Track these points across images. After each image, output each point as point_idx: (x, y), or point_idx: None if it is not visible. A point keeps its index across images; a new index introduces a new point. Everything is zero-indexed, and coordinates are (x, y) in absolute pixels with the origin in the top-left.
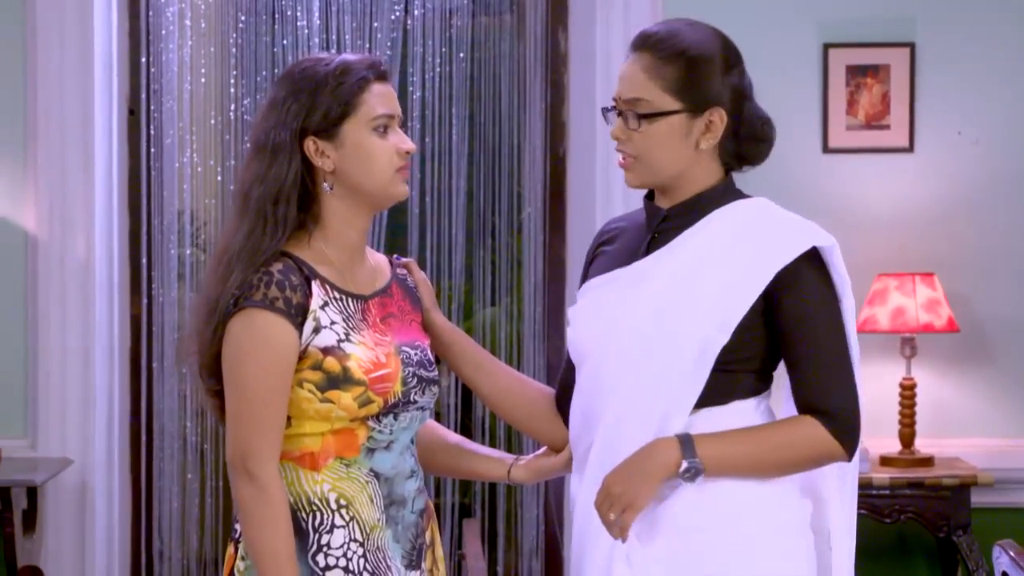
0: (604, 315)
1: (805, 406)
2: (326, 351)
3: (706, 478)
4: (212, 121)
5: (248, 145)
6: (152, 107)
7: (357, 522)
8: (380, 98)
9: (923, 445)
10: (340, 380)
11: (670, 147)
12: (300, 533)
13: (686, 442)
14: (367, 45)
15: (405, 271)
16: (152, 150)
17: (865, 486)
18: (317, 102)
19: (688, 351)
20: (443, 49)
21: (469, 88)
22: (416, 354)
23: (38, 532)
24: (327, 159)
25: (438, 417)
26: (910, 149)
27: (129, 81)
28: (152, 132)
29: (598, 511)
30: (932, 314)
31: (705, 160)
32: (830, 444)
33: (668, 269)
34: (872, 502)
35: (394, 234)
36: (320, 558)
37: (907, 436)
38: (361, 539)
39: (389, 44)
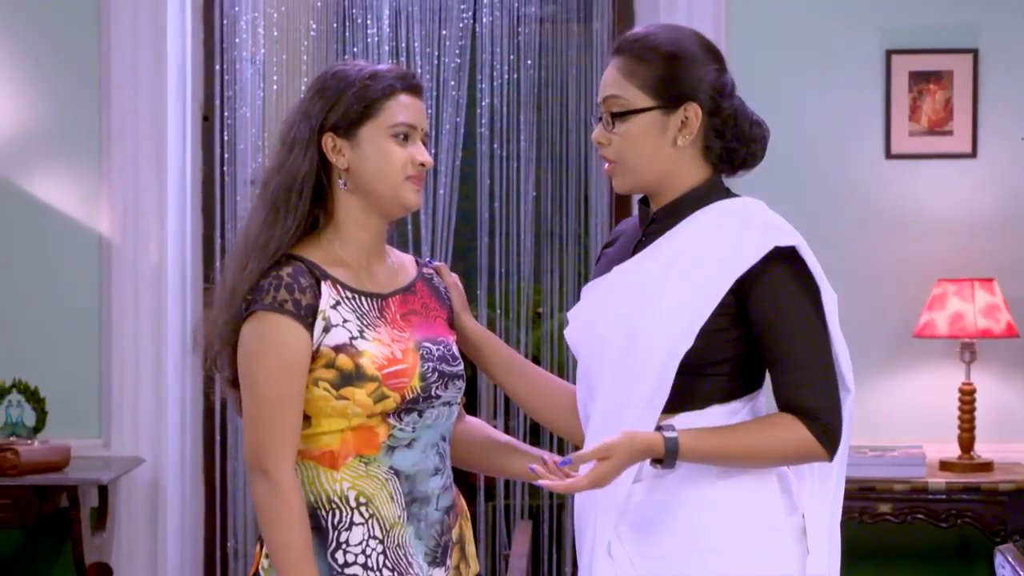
0: (589, 316)
1: (785, 407)
2: (338, 349)
3: (680, 466)
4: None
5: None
6: (226, 113)
7: (377, 519)
8: (404, 107)
9: (982, 450)
10: (353, 377)
11: (647, 146)
12: (320, 531)
13: (671, 452)
14: (436, 52)
15: (432, 271)
16: (225, 155)
17: (921, 491)
18: (341, 100)
19: (657, 354)
20: (511, 56)
21: (537, 95)
22: (438, 349)
23: (109, 530)
24: (342, 157)
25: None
26: (973, 155)
27: (204, 88)
28: (226, 138)
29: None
30: (991, 319)
31: (687, 160)
32: (808, 443)
33: (642, 273)
34: (929, 507)
35: (463, 239)
36: (339, 555)
37: (966, 441)
38: (381, 536)
39: (458, 51)
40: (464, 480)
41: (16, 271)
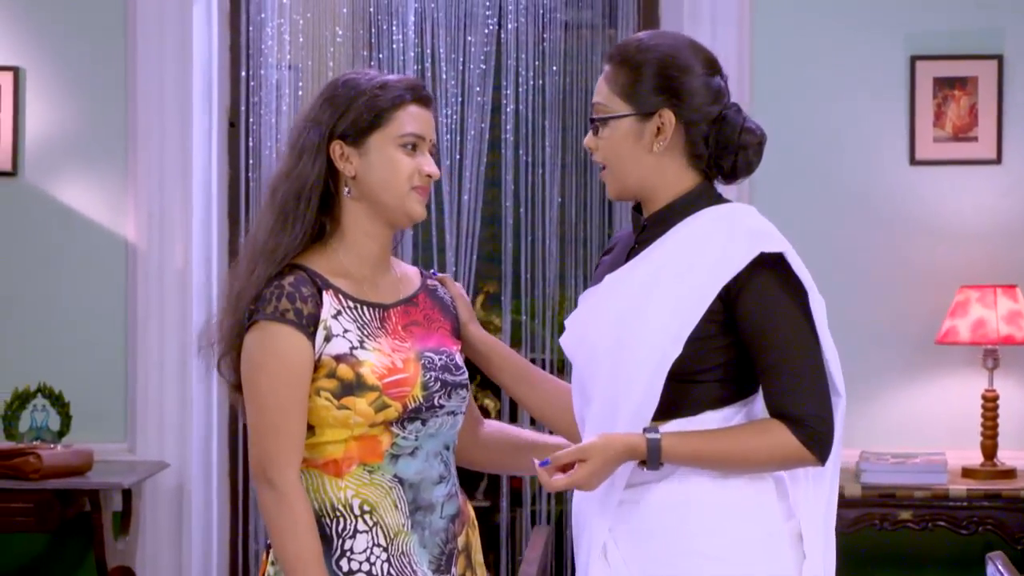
0: (582, 324)
1: (774, 413)
2: (339, 359)
3: (668, 469)
4: None
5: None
6: (251, 119)
7: (381, 527)
8: (413, 118)
9: (1006, 457)
10: (354, 386)
11: (626, 151)
12: (325, 539)
13: (654, 450)
14: (461, 58)
15: (436, 283)
16: (251, 161)
17: (942, 498)
18: (351, 109)
19: (647, 362)
20: (536, 62)
21: (561, 100)
22: (441, 359)
23: (132, 534)
24: (350, 165)
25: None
26: (997, 161)
27: (230, 94)
28: (251, 143)
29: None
30: (1013, 326)
31: (674, 167)
32: (797, 450)
33: (632, 281)
34: (950, 514)
35: (488, 244)
36: (343, 563)
37: (989, 448)
38: (385, 544)
39: (483, 57)
40: (495, 486)
41: (42, 276)
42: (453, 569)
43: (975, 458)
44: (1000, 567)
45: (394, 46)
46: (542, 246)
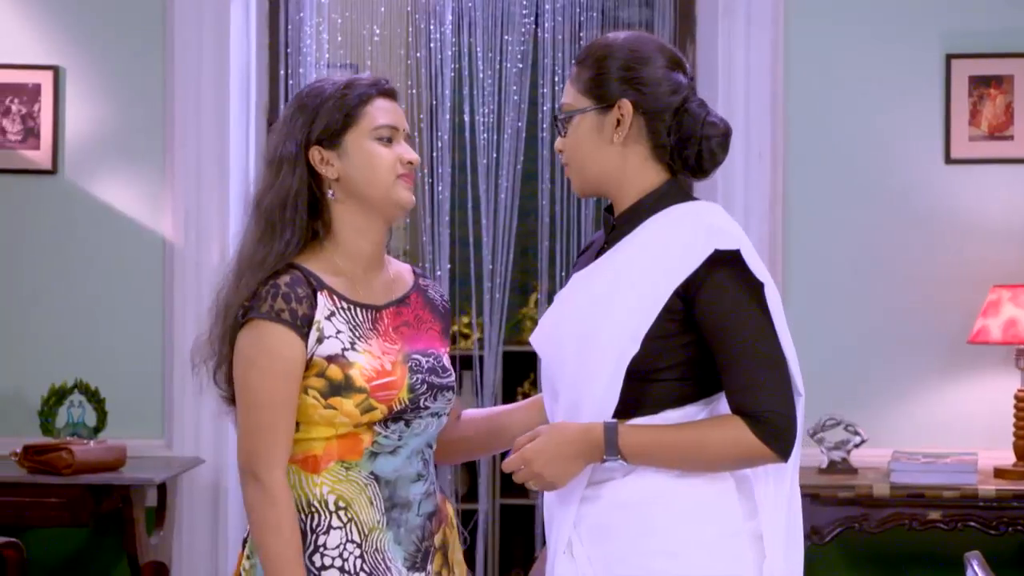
0: (551, 322)
1: (734, 409)
2: (330, 359)
3: (630, 466)
4: None
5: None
6: None
7: (356, 524)
8: (383, 111)
9: None
10: (342, 387)
11: (588, 145)
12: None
13: (610, 433)
14: (498, 57)
15: (428, 282)
16: None
17: (971, 498)
18: (320, 113)
19: (607, 359)
20: (573, 61)
21: None
22: (428, 361)
23: (167, 530)
24: (331, 167)
25: None
26: None
27: (268, 93)
28: None
29: (512, 474)
30: None
31: (635, 160)
32: (755, 446)
33: (597, 279)
34: (980, 514)
35: (524, 239)
36: (316, 558)
37: (1022, 448)
38: (359, 540)
39: (520, 56)
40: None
41: (80, 273)
42: (429, 567)
43: (1008, 458)
44: (977, 568)
45: (432, 45)
46: (578, 242)
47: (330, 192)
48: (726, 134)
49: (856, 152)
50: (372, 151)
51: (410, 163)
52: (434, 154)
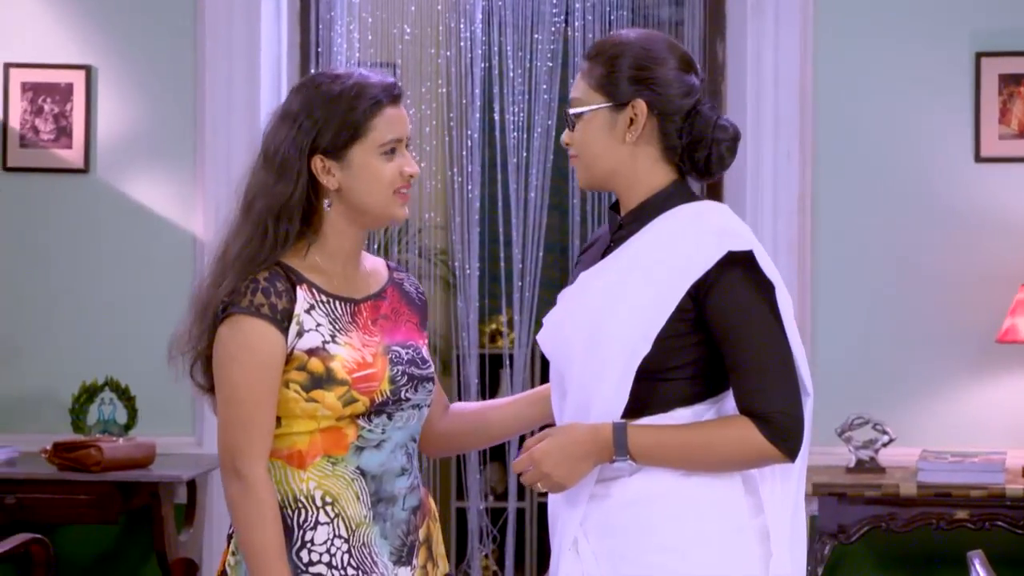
0: (557, 321)
1: (742, 410)
2: (311, 352)
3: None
4: None
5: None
6: None
7: (342, 519)
8: (391, 123)
9: None
10: (324, 380)
11: (599, 142)
12: (286, 530)
13: (619, 434)
14: (528, 56)
15: (403, 275)
16: None
17: (999, 497)
18: (329, 122)
19: (617, 360)
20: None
21: None
22: (407, 353)
23: (197, 526)
24: (332, 178)
25: None
26: None
27: None
28: None
29: (520, 475)
30: None
31: (645, 159)
32: (763, 446)
33: (605, 278)
34: (1008, 514)
35: (554, 235)
36: (304, 554)
37: None
38: (346, 535)
39: (550, 55)
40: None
41: (112, 271)
42: (414, 560)
43: None
44: (979, 566)
45: (462, 44)
46: None
47: (326, 202)
48: (735, 138)
49: (885, 151)
50: (376, 167)
51: (410, 176)
52: (464, 153)
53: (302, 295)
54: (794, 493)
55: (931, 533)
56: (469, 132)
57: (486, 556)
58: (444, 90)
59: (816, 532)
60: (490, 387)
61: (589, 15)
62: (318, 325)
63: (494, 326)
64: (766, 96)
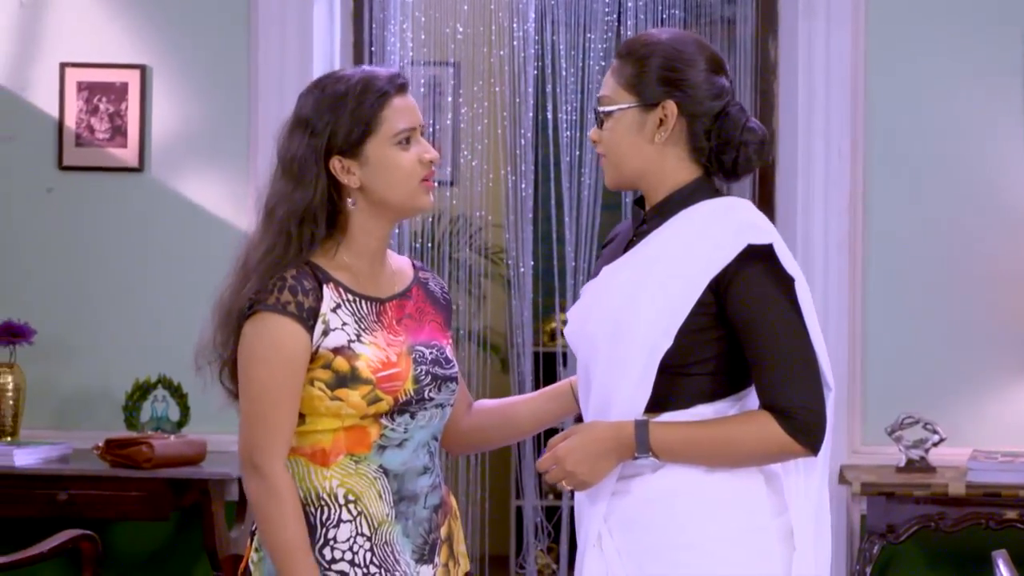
0: (582, 316)
1: (764, 405)
2: (336, 351)
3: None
4: (429, 130)
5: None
6: None
7: (365, 517)
8: (400, 112)
9: None
10: (348, 379)
11: (628, 141)
12: (309, 527)
13: (641, 431)
14: (580, 55)
15: (428, 274)
16: None
17: None
18: (340, 122)
19: (639, 354)
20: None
21: None
22: (431, 353)
23: (248, 523)
24: (353, 176)
25: None
26: None
27: None
28: None
29: (544, 474)
30: None
31: (674, 160)
32: (784, 441)
33: (627, 273)
34: None
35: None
36: (327, 551)
37: None
38: (369, 533)
39: (602, 54)
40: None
41: (165, 269)
42: (436, 559)
43: None
44: (1003, 566)
45: (515, 43)
46: None
47: (350, 201)
48: (763, 141)
49: (937, 148)
50: (394, 158)
51: (431, 162)
52: (517, 151)
53: (329, 294)
54: (817, 488)
55: (981, 533)
56: (522, 131)
57: (542, 551)
58: (497, 89)
59: (865, 532)
60: (546, 385)
61: (642, 14)
62: (344, 324)
63: (553, 324)
64: (817, 93)
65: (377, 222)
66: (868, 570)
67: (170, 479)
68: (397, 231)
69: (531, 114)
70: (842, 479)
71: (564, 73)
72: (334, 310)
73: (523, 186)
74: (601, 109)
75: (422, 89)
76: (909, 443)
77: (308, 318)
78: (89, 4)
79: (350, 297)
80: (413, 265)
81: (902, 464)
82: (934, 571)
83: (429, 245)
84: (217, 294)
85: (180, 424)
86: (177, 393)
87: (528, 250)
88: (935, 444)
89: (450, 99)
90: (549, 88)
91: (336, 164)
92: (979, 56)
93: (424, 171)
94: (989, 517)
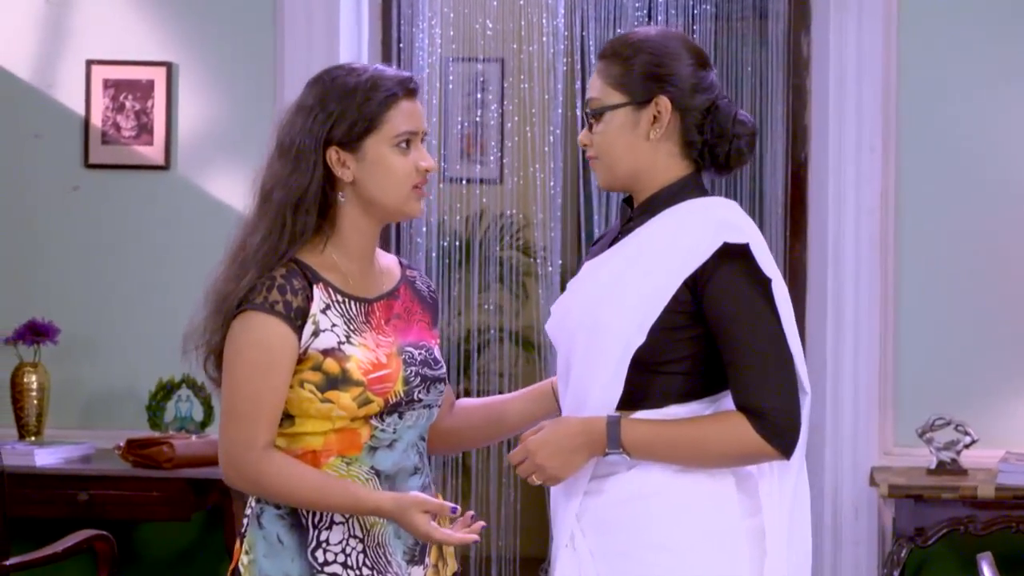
0: (562, 310)
1: (738, 406)
2: (326, 353)
3: (632, 460)
4: (457, 127)
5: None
6: None
7: (357, 519)
8: (405, 116)
9: None
10: (339, 381)
11: (622, 141)
12: (300, 529)
13: (613, 427)
14: None
15: (415, 273)
16: None
17: None
18: (344, 114)
19: (613, 349)
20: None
21: None
22: (420, 353)
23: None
24: (347, 170)
25: None
26: None
27: None
28: None
29: (516, 467)
30: None
31: (664, 156)
32: (756, 443)
33: (607, 269)
34: None
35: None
36: (319, 554)
37: None
38: (361, 535)
39: None
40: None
41: (191, 267)
42: (426, 559)
43: None
44: (986, 568)
45: (544, 39)
46: None
47: (340, 194)
48: (753, 133)
49: (970, 145)
50: (390, 160)
51: (426, 170)
52: (546, 149)
53: (318, 294)
54: (792, 492)
55: (1010, 536)
56: (551, 128)
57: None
58: (526, 86)
59: (893, 535)
60: None
61: (672, 10)
62: (333, 325)
63: None
64: (849, 90)
65: (366, 220)
66: (896, 574)
67: (191, 479)
68: (424, 228)
69: (560, 111)
70: (872, 481)
71: (593, 70)
72: (324, 311)
73: (552, 184)
74: (591, 110)
75: (450, 86)
76: (940, 445)
77: (296, 318)
78: (115, 1)
79: (339, 298)
80: (400, 263)
81: (933, 466)
82: (966, 575)
83: (476, 242)
84: (212, 278)
85: (204, 424)
86: (201, 393)
87: (557, 248)
88: (967, 446)
89: (479, 95)
90: (578, 85)
91: (333, 155)
92: (1012, 52)
93: (418, 178)
94: (1020, 520)
